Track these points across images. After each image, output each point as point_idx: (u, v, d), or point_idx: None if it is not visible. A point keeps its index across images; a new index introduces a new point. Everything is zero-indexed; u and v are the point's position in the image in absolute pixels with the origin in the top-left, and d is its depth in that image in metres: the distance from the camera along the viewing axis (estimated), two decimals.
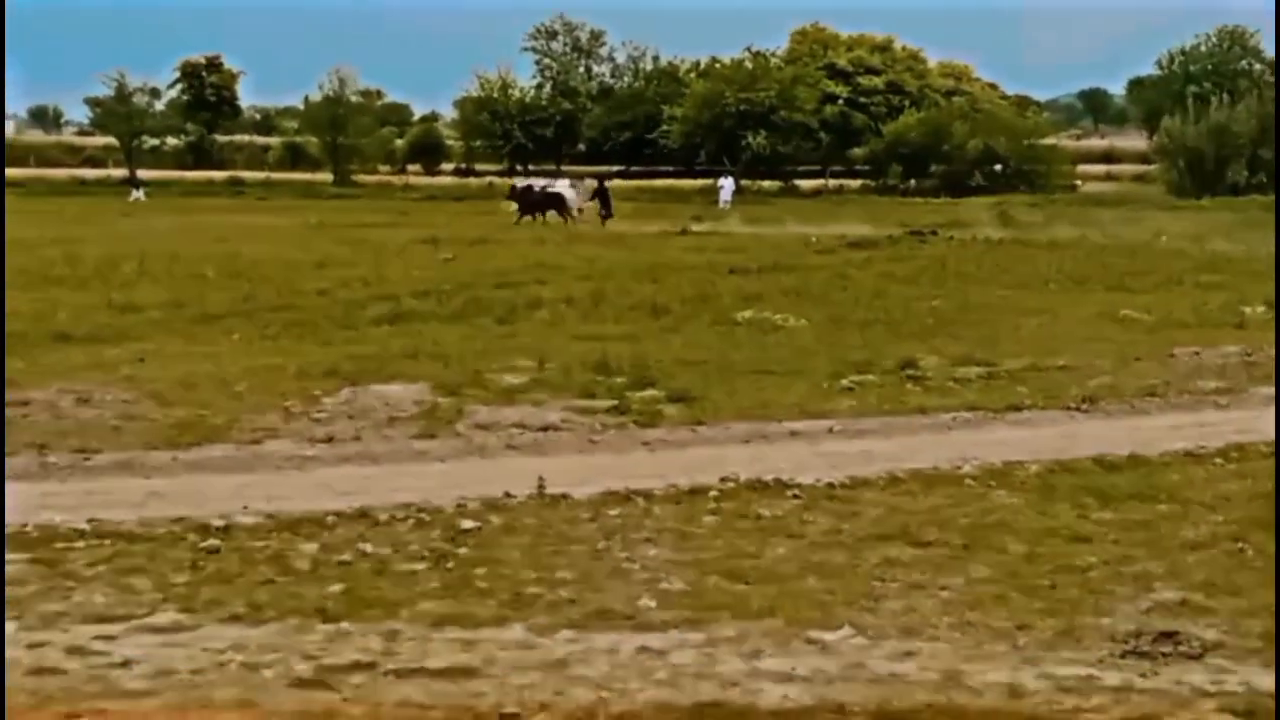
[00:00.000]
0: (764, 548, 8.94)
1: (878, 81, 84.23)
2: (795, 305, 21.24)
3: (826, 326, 19.15)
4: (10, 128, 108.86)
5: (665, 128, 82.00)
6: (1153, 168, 76.13)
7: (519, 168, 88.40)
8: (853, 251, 32.52)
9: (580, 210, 48.39)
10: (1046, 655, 7.15)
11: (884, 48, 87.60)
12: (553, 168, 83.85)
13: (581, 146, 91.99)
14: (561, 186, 51.12)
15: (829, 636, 7.39)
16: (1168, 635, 7.29)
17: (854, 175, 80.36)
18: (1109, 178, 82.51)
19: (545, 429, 12.43)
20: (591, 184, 52.42)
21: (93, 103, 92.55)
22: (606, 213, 48.67)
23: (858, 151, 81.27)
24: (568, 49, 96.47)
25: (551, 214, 47.49)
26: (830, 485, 10.50)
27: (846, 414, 13.22)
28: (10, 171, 73.48)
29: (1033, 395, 14.19)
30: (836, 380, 14.79)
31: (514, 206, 48.67)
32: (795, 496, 10.22)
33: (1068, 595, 8.05)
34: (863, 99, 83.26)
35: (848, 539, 9.15)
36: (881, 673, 6.93)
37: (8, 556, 8.37)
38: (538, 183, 54.09)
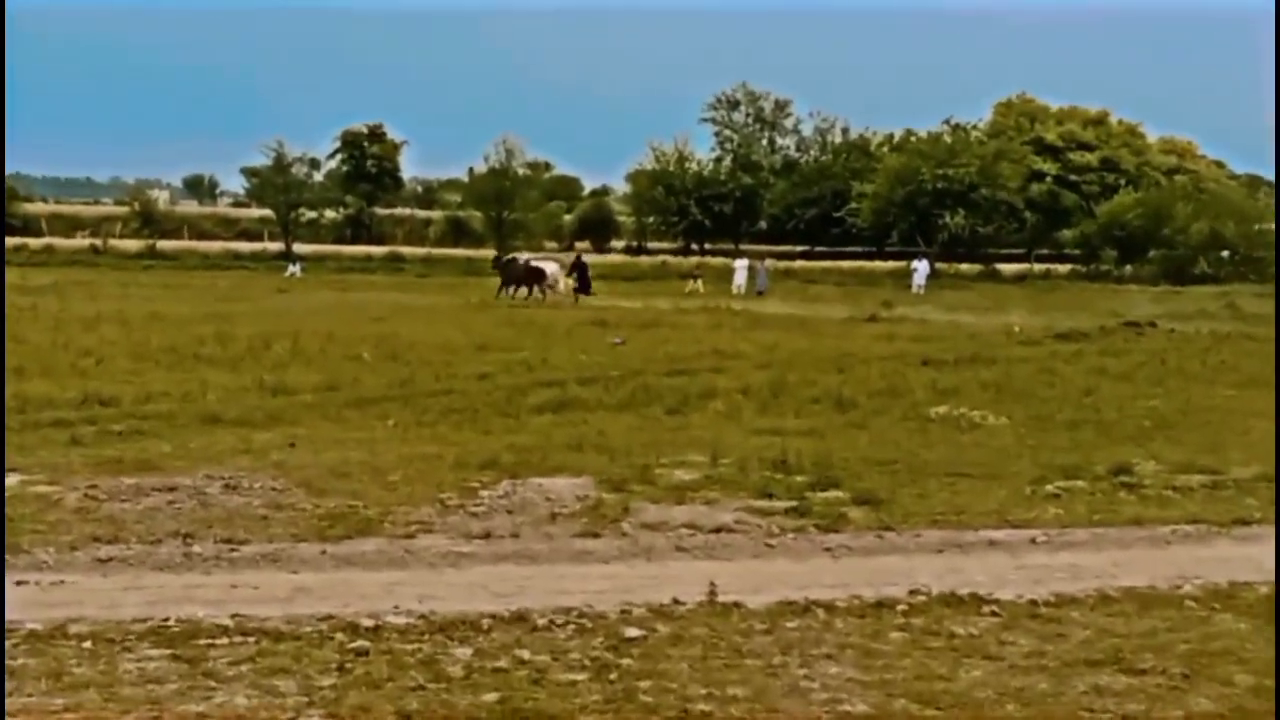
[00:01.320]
0: (957, 670, 8.73)
1: (1091, 158, 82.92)
2: (995, 402, 20.94)
3: (1030, 426, 18.81)
4: (164, 197, 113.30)
5: (854, 205, 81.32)
6: None
7: (694, 246, 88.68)
8: (1060, 344, 32.00)
9: (555, 286, 51.34)
10: None
11: (1098, 121, 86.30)
12: (730, 246, 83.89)
13: (763, 224, 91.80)
14: (544, 263, 54.15)
15: None
16: None
17: (1062, 259, 78.89)
18: None
19: (718, 530, 12.36)
20: (576, 259, 56.23)
21: (249, 173, 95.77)
22: (582, 290, 51.73)
23: (1067, 233, 79.96)
24: (750, 119, 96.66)
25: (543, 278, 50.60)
26: (1033, 602, 10.25)
27: (1052, 523, 12.91)
28: (163, 244, 76.49)
29: (1263, 508, 13.68)
30: (1041, 486, 14.49)
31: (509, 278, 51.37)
32: (993, 614, 9.99)
33: None
34: (1073, 176, 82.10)
35: (1052, 663, 8.89)
36: None
37: (154, 651, 8.60)
38: (522, 256, 57.05)
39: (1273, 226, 77.61)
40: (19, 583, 10.08)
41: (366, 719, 7.63)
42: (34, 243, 75.46)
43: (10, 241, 75.07)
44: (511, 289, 50.55)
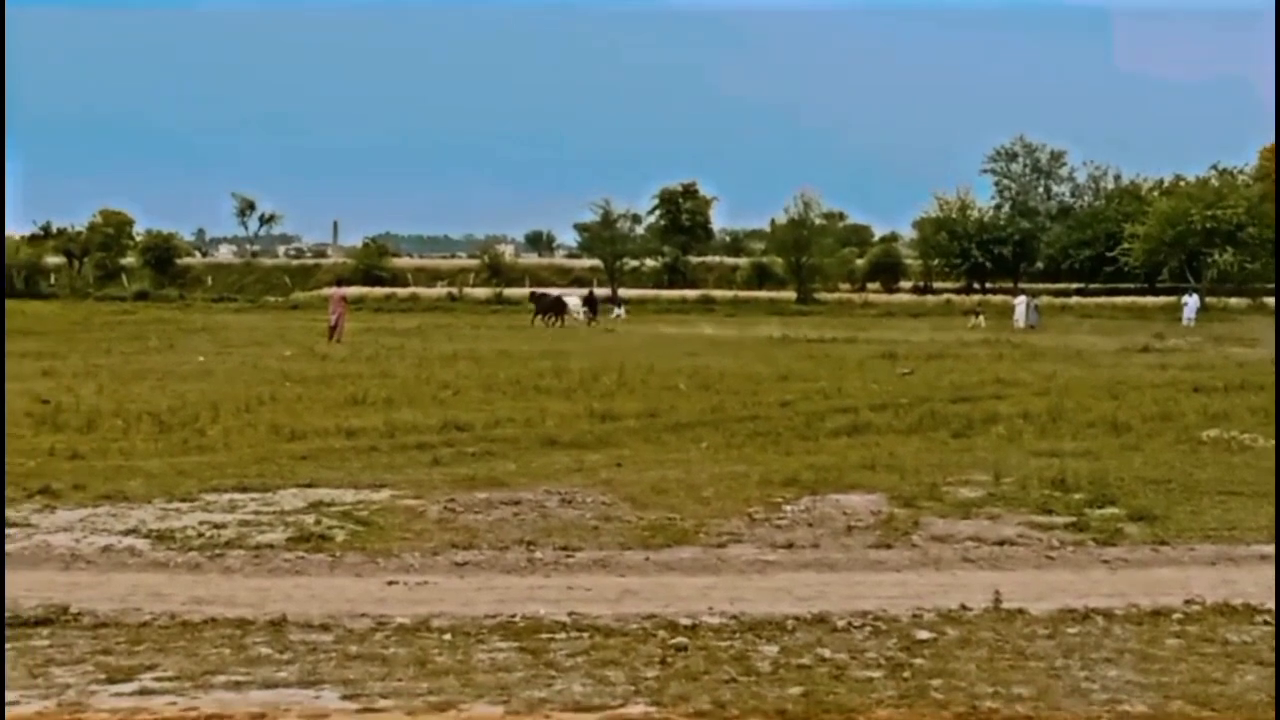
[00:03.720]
0: (1231, 674, 8.29)
1: None
2: (1265, 425, 19.81)
3: None
4: (509, 251, 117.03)
5: (1126, 245, 78.36)
6: None
7: (976, 285, 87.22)
8: None
9: (575, 314, 57.28)
10: None
11: None
12: (1009, 285, 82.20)
13: (1039, 265, 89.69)
14: (566, 295, 61.11)
15: None
16: None
17: None
18: None
19: (1001, 543, 12.06)
20: (589, 293, 64.28)
21: (581, 228, 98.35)
22: (593, 316, 58.80)
23: None
24: (1027, 170, 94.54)
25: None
26: None
27: None
28: (508, 291, 79.01)
29: None
30: None
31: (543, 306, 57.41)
32: (1265, 623, 9.44)
33: None
34: None
35: None
36: None
37: (503, 644, 8.82)
38: (553, 291, 63.66)
39: None
40: (390, 582, 10.49)
41: (685, 707, 7.67)
42: (401, 292, 79.32)
43: (380, 291, 78.97)
44: (541, 317, 55.81)
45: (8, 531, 12.10)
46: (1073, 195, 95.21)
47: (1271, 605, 9.80)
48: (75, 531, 12.22)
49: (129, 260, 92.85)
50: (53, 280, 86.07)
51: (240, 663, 8.48)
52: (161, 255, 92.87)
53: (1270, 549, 11.75)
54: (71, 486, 14.21)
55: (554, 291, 63.65)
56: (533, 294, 63.36)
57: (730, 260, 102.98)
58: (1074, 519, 12.95)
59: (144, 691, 7.91)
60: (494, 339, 44.56)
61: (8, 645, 8.79)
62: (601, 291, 74.13)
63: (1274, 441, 18.08)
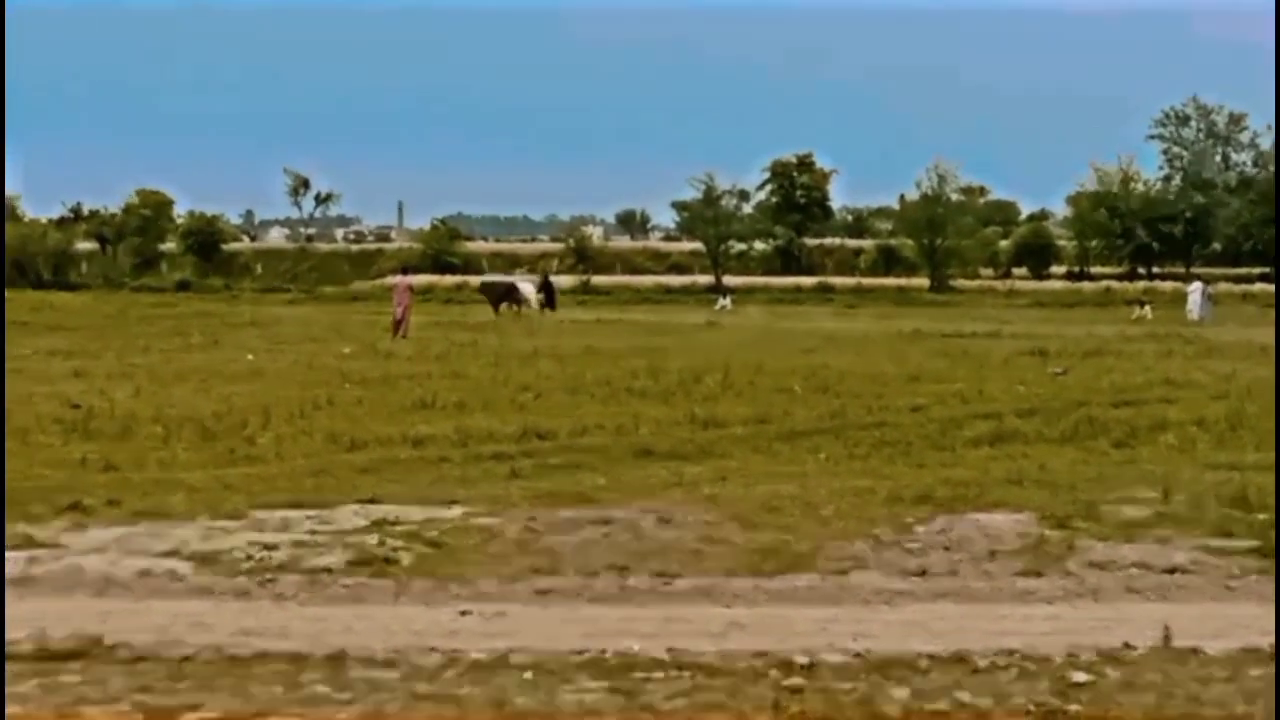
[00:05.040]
0: None
1: None
2: None
3: None
4: (598, 233, 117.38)
5: None
6: None
7: (1141, 270, 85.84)
8: None
9: (529, 302, 59.72)
10: None
11: None
12: (1182, 270, 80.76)
13: (1216, 246, 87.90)
14: (520, 281, 64.45)
15: None
16: None
17: None
18: None
19: (1172, 571, 11.86)
20: (544, 279, 65.96)
21: (680, 206, 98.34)
22: (549, 305, 61.13)
23: None
24: (1201, 136, 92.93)
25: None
26: None
27: None
28: (597, 279, 79.25)
29: None
30: None
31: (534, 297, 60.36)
32: None
33: None
34: None
35: None
36: None
37: (592, 683, 8.84)
38: (503, 279, 66.71)
39: None
40: (463, 612, 10.56)
41: None
42: (474, 280, 79.55)
43: (450, 279, 79.62)
44: (505, 307, 58.37)
45: (34, 554, 12.34)
46: (1255, 165, 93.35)
47: None
48: (110, 553, 12.41)
49: (169, 246, 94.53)
50: (84, 269, 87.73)
51: (294, 702, 8.58)
52: (205, 240, 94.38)
53: None
54: (105, 502, 14.45)
55: (504, 279, 66.30)
56: (482, 284, 64.92)
57: (853, 243, 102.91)
58: (1258, 543, 12.66)
59: None
60: (581, 333, 44.75)
61: (37, 679, 8.98)
62: (568, 279, 76.19)
63: None
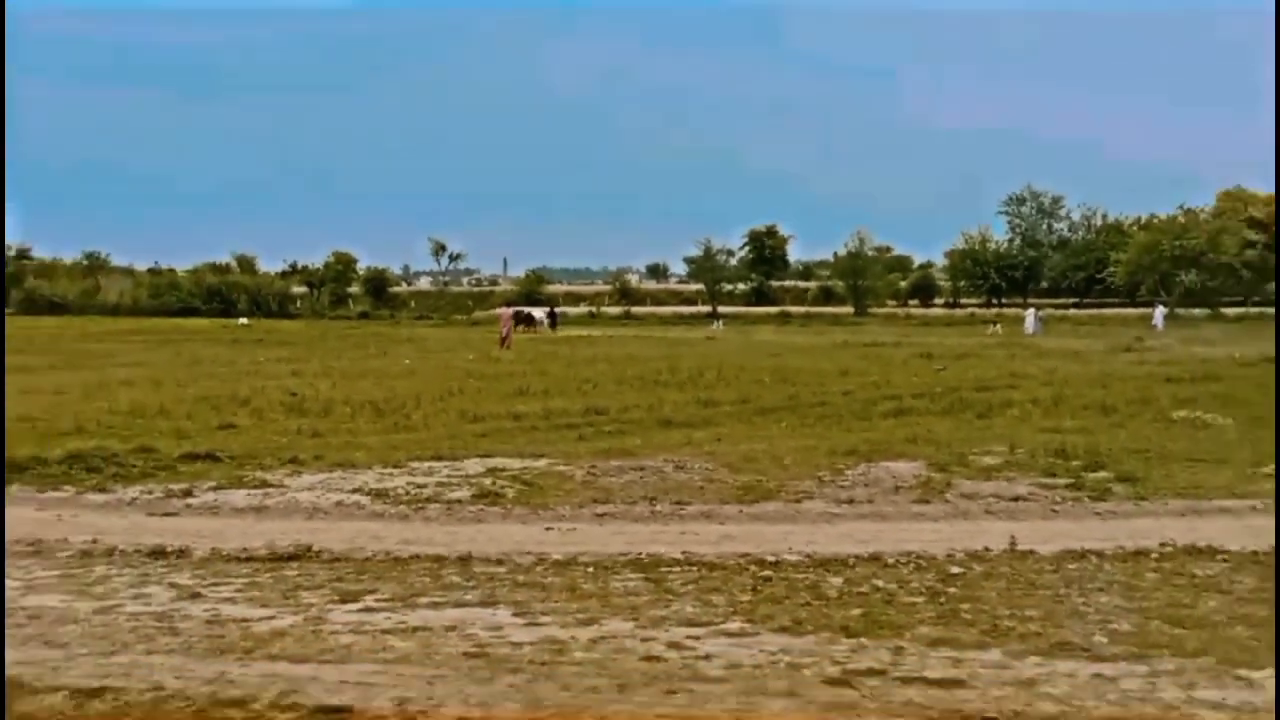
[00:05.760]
0: (1198, 600, 8.08)
1: None
2: (1222, 408, 19.13)
3: (1248, 425, 17.11)
4: (634, 278, 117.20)
5: (1111, 269, 77.41)
6: None
7: (994, 301, 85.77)
8: (1270, 365, 29.00)
9: (541, 324, 58.87)
10: None
11: None
12: (1020, 300, 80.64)
13: (1044, 284, 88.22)
14: (536, 311, 62.38)
15: (1255, 675, 6.57)
16: None
17: (1270, 304, 71.63)
18: None
19: (1016, 499, 11.81)
20: (550, 309, 64.60)
21: (688, 260, 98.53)
22: (553, 326, 59.34)
23: (1272, 285, 72.61)
24: (1034, 211, 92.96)
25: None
26: (1254, 552, 9.36)
27: (1267, 495, 11.70)
28: (635, 309, 79.11)
29: None
30: (1258, 468, 13.22)
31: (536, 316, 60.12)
32: (1224, 560, 9.19)
33: None
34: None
35: (1270, 596, 8.06)
36: None
37: (633, 575, 8.85)
38: (523, 309, 62.69)
39: None
40: (547, 528, 10.58)
41: (771, 624, 7.64)
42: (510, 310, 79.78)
43: (540, 311, 79.47)
44: (521, 327, 55.21)
45: (267, 491, 12.42)
46: (1070, 230, 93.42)
47: (1229, 547, 9.53)
48: (316, 490, 12.51)
49: (353, 289, 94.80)
50: (298, 304, 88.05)
51: (438, 588, 8.62)
52: (377, 285, 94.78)
53: (1229, 503, 11.40)
54: (313, 457, 14.56)
55: (524, 309, 64.17)
56: (514, 312, 64.00)
57: (803, 284, 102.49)
58: (1072, 481, 12.64)
59: (367, 610, 8.07)
60: (623, 346, 44.67)
61: (269, 574, 9.03)
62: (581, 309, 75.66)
63: (1230, 420, 17.49)
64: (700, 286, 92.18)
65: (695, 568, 9.09)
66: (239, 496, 12.15)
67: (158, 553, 9.68)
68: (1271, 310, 67.81)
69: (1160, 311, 59.64)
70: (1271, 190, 78.05)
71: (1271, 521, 10.35)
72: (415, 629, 7.62)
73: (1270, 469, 13.04)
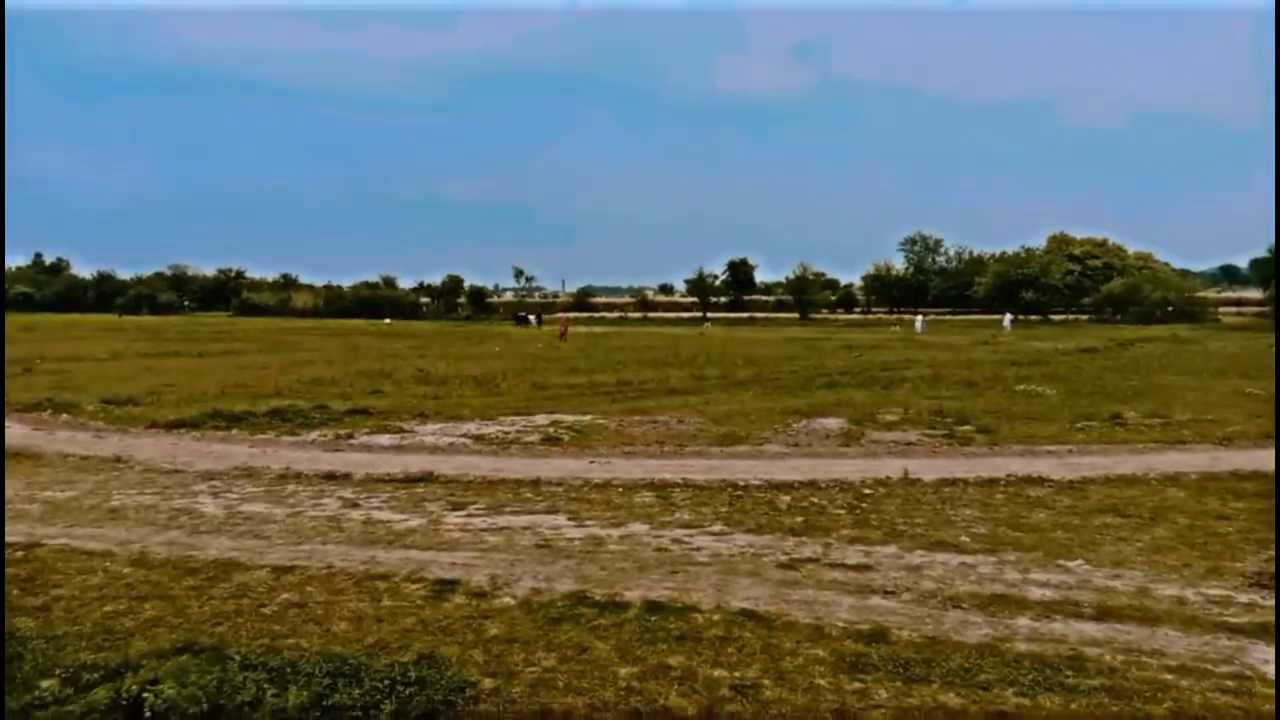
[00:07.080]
0: (1032, 513, 7.99)
1: (1098, 262, 73.94)
2: (1049, 382, 18.91)
3: (1068, 395, 16.87)
4: (650, 292, 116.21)
5: (975, 288, 76.71)
6: (1265, 309, 62.90)
7: (896, 309, 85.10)
8: (1083, 355, 28.66)
9: (537, 324, 56.60)
10: (1199, 582, 6.07)
11: (1101, 243, 76.76)
12: (913, 309, 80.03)
13: (929, 298, 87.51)
14: (529, 314, 60.34)
15: (1070, 564, 6.54)
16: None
17: (1084, 313, 70.76)
18: (1238, 314, 68.42)
19: (909, 444, 11.74)
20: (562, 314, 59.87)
21: (687, 281, 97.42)
22: (539, 325, 55.92)
23: (1086, 300, 71.77)
24: (923, 248, 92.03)
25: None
26: (1070, 482, 9.26)
27: (1080, 442, 11.60)
28: (651, 315, 78.39)
29: (1193, 436, 11.95)
30: (1074, 424, 13.05)
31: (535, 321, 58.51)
32: (1049, 486, 9.09)
33: (1214, 549, 6.79)
34: (1089, 271, 73.63)
35: (1080, 511, 8.02)
36: (1101, 586, 6.04)
37: (648, 493, 8.85)
38: (523, 313, 61.37)
39: (1198, 294, 68.70)
40: (591, 462, 10.55)
41: (741, 525, 7.64)
42: (595, 315, 79.25)
43: (585, 315, 79.12)
44: (521, 326, 53.71)
45: (404, 436, 12.46)
46: (947, 261, 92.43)
47: (1053, 477, 9.44)
48: (436, 435, 12.56)
49: (461, 300, 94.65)
50: (424, 310, 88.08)
51: (517, 501, 8.66)
52: (478, 297, 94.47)
53: (1054, 448, 11.28)
54: (435, 413, 14.61)
55: (521, 314, 63.71)
56: (514, 315, 63.92)
57: (765, 297, 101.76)
58: (947, 432, 12.52)
59: (470, 514, 8.12)
60: (642, 337, 44.55)
61: (404, 491, 9.08)
62: (584, 313, 72.61)
63: (1054, 391, 17.29)
64: (695, 299, 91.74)
65: (690, 489, 9.07)
66: (384, 438, 12.22)
67: (330, 476, 9.76)
68: (1084, 317, 67.42)
69: (1008, 317, 58.94)
70: (1085, 235, 77.34)
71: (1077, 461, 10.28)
72: (501, 528, 7.67)
73: (1081, 424, 12.93)
